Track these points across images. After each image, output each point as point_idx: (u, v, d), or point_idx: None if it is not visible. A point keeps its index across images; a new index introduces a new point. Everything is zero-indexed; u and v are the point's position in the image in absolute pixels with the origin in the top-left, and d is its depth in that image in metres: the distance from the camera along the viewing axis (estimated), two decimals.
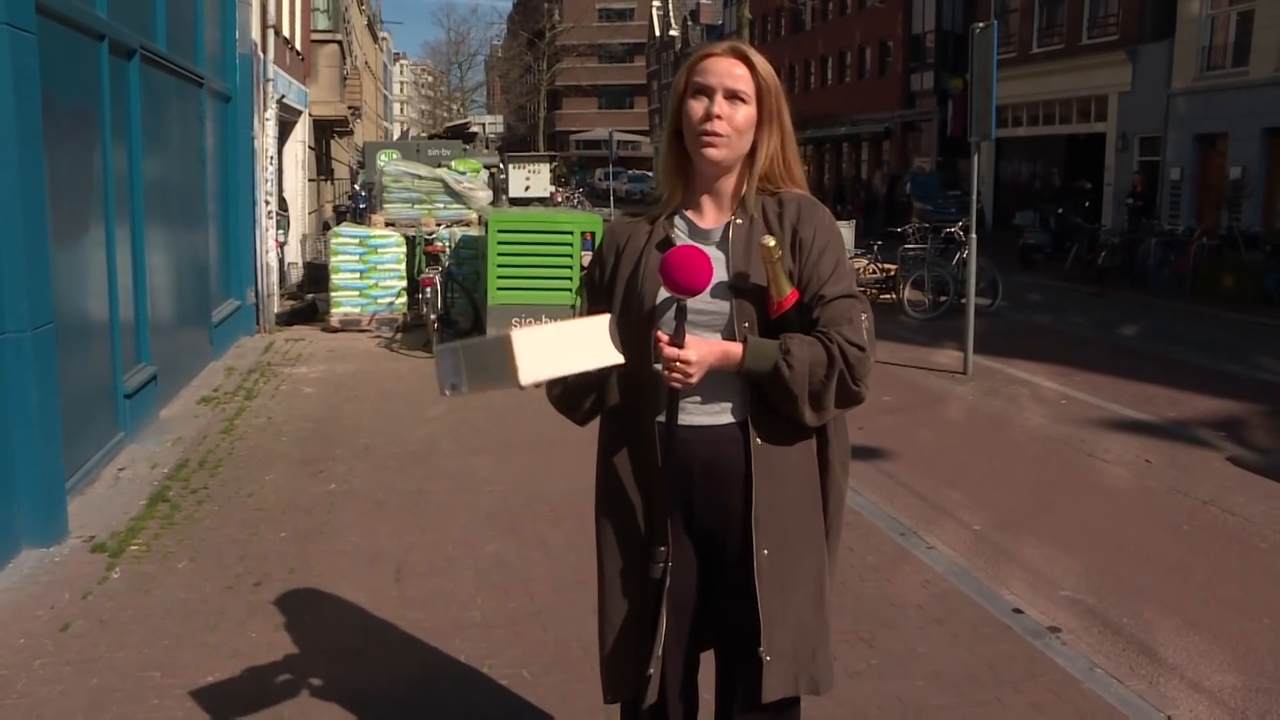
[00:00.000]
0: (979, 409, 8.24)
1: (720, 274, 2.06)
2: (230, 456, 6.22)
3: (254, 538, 4.83)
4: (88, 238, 5.87)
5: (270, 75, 12.21)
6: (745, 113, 2.07)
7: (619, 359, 2.00)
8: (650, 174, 55.80)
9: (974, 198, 9.87)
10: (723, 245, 2.11)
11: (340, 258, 11.28)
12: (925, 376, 9.43)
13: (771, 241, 2.00)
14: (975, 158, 9.67)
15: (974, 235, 9.77)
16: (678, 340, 1.97)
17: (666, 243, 2.12)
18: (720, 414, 2.12)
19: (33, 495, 4.58)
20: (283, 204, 14.26)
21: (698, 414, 2.12)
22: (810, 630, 2.15)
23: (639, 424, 2.14)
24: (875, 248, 15.04)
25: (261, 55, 11.92)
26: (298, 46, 17.83)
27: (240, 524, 5.02)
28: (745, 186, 2.14)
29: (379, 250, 11.33)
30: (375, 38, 55.81)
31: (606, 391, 2.18)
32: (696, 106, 2.07)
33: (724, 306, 2.07)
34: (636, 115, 72.45)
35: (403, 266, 11.43)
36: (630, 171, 50.91)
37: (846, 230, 16.90)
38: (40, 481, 4.62)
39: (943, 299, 13.20)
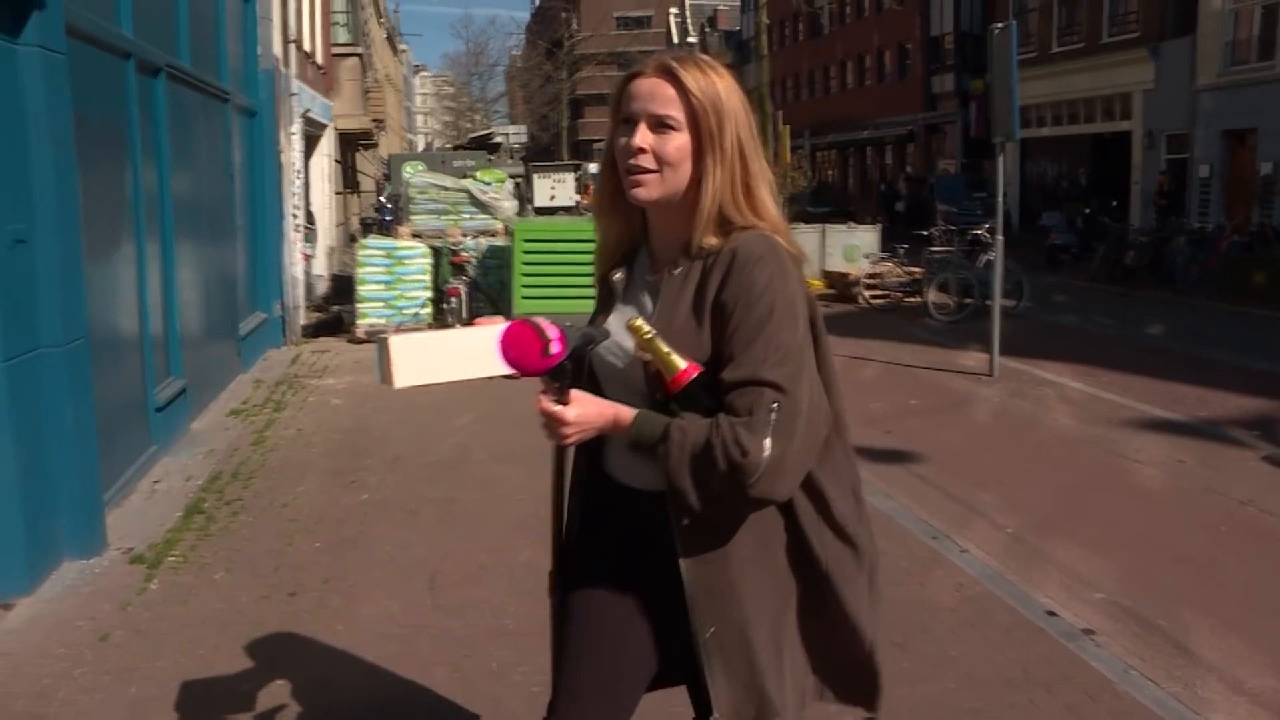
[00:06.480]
0: (1007, 410, 8.19)
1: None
2: (263, 468, 6.28)
3: (289, 548, 4.88)
4: (119, 253, 5.95)
5: (294, 90, 12.33)
6: (677, 142, 1.79)
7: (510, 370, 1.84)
8: None
9: (1000, 199, 9.83)
10: (655, 297, 1.88)
11: (367, 269, 11.37)
12: (951, 379, 9.39)
13: (638, 322, 1.77)
14: (1000, 159, 9.63)
15: (1000, 237, 9.72)
16: (561, 397, 1.77)
17: (604, 285, 1.98)
18: (643, 480, 1.87)
19: (72, 508, 4.65)
20: (310, 217, 14.39)
21: (623, 474, 1.93)
22: (760, 685, 1.85)
23: (570, 455, 2.04)
24: (901, 251, 15.04)
25: (284, 70, 12.04)
26: (319, 60, 17.98)
27: (275, 535, 5.07)
28: (694, 228, 1.81)
29: (405, 261, 11.41)
30: (395, 50, 56.18)
31: None
32: (621, 139, 1.82)
33: (640, 368, 1.82)
34: None
35: (429, 277, 11.51)
36: None
37: (871, 235, 16.95)
38: (79, 494, 4.69)
39: (967, 301, 13.14)
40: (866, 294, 14.77)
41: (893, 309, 14.32)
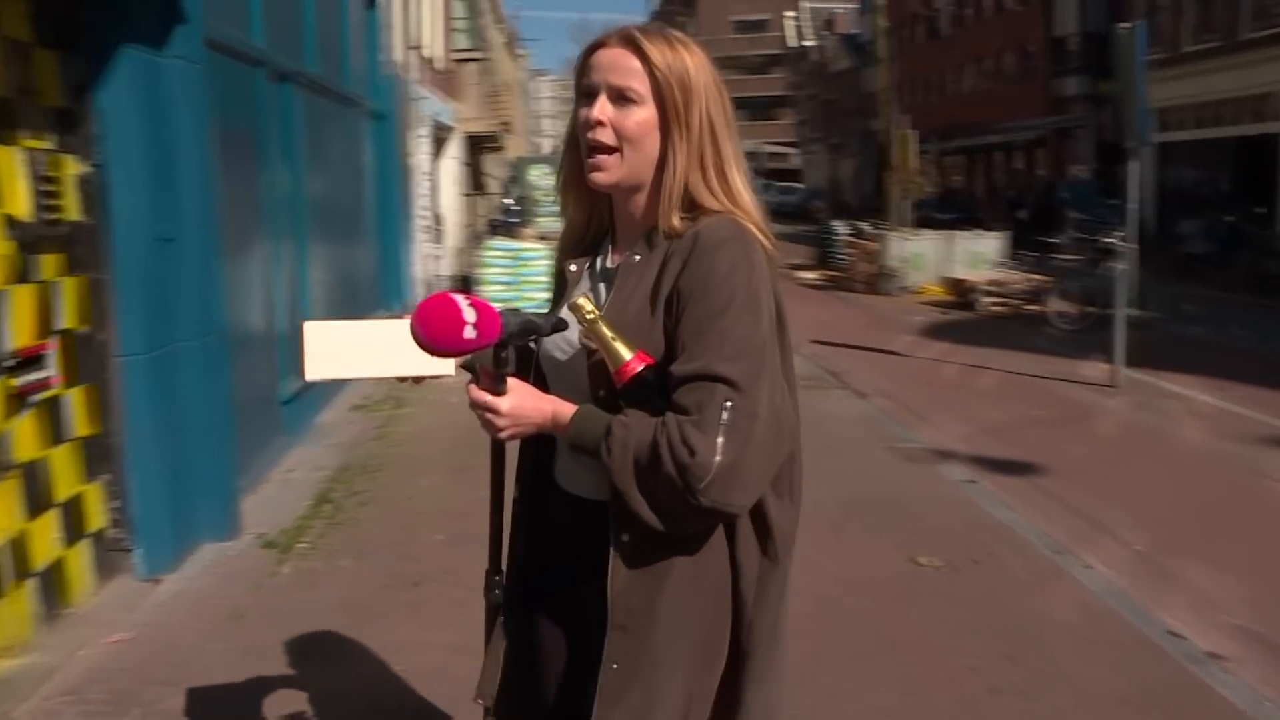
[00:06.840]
0: (1132, 423, 7.91)
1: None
2: (387, 462, 6.49)
3: (412, 540, 5.04)
4: (254, 252, 6.23)
5: (420, 94, 12.69)
6: (639, 116, 1.64)
7: (442, 370, 1.66)
8: (799, 185, 55.19)
9: (1134, 205, 9.50)
10: (611, 286, 1.72)
11: (491, 270, 11.67)
12: (1073, 389, 9.11)
13: (582, 300, 1.60)
14: (1133, 164, 9.30)
15: (1130, 245, 9.39)
16: (497, 385, 1.62)
17: (560, 276, 1.85)
18: (588, 488, 1.71)
19: (210, 494, 4.89)
20: (438, 219, 14.79)
21: (567, 480, 1.78)
22: None
23: (525, 446, 1.84)
24: (1027, 259, 14.70)
25: (408, 75, 12.40)
26: (440, 65, 18.46)
27: (399, 526, 5.24)
28: (658, 211, 1.67)
29: (529, 263, 11.69)
30: (515, 55, 57.13)
31: None
32: (581, 112, 1.67)
33: (584, 359, 1.67)
34: (780, 126, 72.15)
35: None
36: (779, 184, 50.76)
37: (997, 241, 16.54)
38: (216, 481, 4.94)
39: (1090, 310, 12.72)
40: (986, 301, 14.45)
41: (1013, 317, 13.97)
